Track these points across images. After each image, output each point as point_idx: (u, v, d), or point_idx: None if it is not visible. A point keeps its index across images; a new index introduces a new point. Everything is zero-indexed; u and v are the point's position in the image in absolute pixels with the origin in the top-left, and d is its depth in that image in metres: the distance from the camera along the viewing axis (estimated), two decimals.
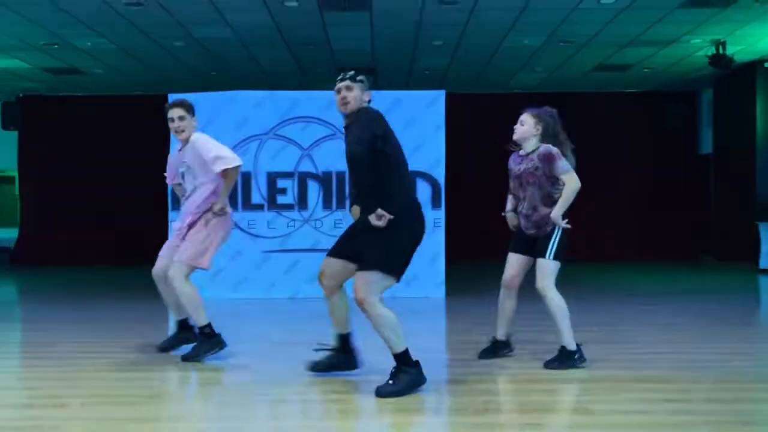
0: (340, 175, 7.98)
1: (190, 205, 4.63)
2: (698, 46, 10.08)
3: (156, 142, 8.58)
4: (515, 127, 4.36)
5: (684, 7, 8.38)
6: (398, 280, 3.71)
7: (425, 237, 7.82)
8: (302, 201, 7.99)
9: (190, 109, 4.72)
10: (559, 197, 4.22)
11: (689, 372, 4.03)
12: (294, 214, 7.99)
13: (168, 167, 5.07)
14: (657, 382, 3.81)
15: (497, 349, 4.45)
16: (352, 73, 3.88)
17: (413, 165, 8.01)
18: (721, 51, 9.86)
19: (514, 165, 4.39)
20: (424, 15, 8.59)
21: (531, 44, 10.03)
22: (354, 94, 3.81)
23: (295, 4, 8.21)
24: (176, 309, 4.66)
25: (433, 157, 7.93)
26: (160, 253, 4.67)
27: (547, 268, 4.21)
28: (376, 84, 10.86)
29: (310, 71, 11.07)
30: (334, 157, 8.00)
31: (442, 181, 7.95)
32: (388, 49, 10.18)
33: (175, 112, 4.64)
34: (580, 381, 3.91)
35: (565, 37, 9.66)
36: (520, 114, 4.44)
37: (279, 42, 9.68)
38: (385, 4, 8.19)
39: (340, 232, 8.30)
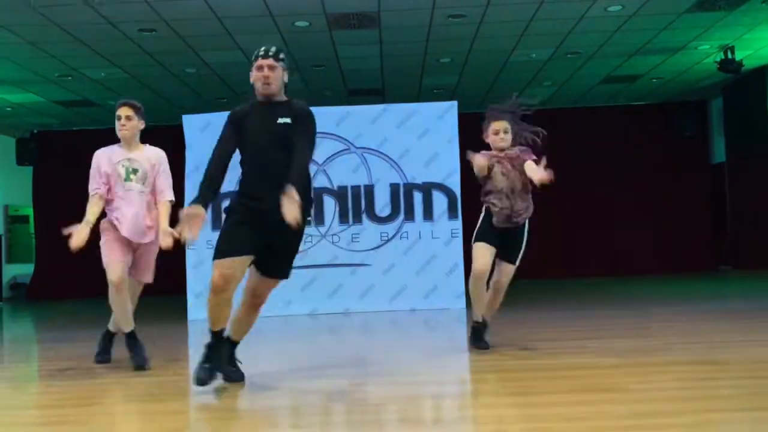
0: (356, 190, 7.99)
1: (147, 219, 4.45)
2: (706, 53, 10.12)
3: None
4: (501, 137, 4.43)
5: (690, 12, 8.43)
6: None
7: (443, 247, 7.92)
8: (318, 216, 7.98)
9: (139, 110, 4.58)
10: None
11: (725, 356, 3.96)
12: (311, 229, 7.97)
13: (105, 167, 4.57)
14: (693, 364, 3.74)
15: (484, 329, 4.55)
16: (275, 49, 3.66)
17: (429, 176, 8.18)
18: (729, 56, 9.89)
19: (499, 169, 4.46)
20: (433, 30, 8.68)
21: (538, 58, 10.10)
22: (277, 74, 3.62)
23: (305, 24, 8.33)
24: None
25: (448, 168, 7.93)
26: (118, 258, 4.52)
27: (512, 272, 4.47)
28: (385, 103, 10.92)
29: (319, 93, 11.17)
30: (348, 172, 8.04)
31: (457, 191, 7.94)
32: (397, 68, 10.28)
33: (123, 111, 4.53)
34: (613, 367, 3.83)
35: (572, 48, 9.72)
36: (482, 121, 4.55)
37: (289, 64, 9.79)
38: (394, 20, 8.29)
39: (357, 246, 8.43)
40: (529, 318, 6.33)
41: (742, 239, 12.24)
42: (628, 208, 13.11)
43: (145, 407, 3.42)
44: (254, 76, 3.66)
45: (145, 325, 4.97)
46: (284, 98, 3.73)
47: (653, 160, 13.24)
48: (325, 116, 8.37)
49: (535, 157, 4.45)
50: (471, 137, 9.27)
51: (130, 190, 4.48)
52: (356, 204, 8.00)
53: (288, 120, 3.61)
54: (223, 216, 3.79)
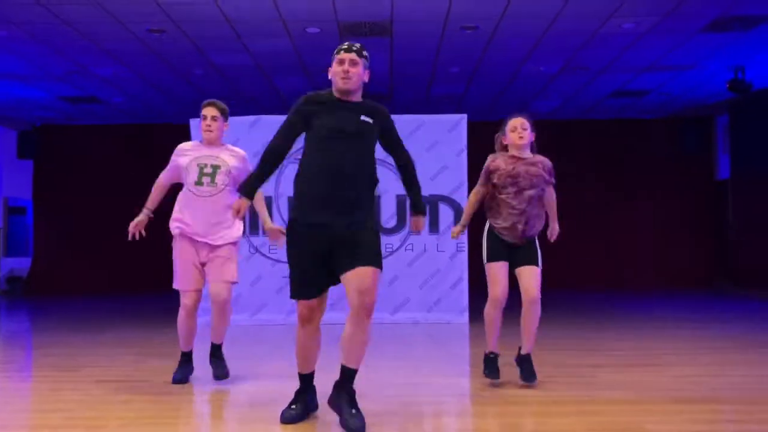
0: None
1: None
2: (716, 72, 10.08)
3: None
4: (519, 133, 4.25)
5: (704, 32, 8.39)
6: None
7: (448, 262, 7.87)
8: None
9: (224, 112, 4.56)
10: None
11: (737, 394, 3.91)
12: None
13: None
14: (707, 403, 3.69)
15: (496, 362, 4.31)
16: (359, 45, 3.50)
17: (436, 189, 8.12)
18: (739, 76, 9.86)
19: (505, 164, 4.23)
20: (444, 40, 8.62)
21: (548, 71, 10.06)
22: (358, 70, 3.43)
23: (316, 30, 8.27)
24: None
25: (456, 181, 7.89)
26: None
27: (540, 274, 4.25)
28: (392, 110, 10.87)
29: None
30: None
31: (464, 203, 7.87)
32: (406, 75, 10.22)
33: (209, 111, 4.48)
34: (628, 403, 3.79)
35: (582, 63, 9.67)
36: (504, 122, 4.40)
37: (297, 69, 9.73)
38: (407, 28, 8.23)
39: None
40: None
41: (742, 257, 12.22)
42: (630, 221, 13.09)
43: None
44: (333, 70, 3.46)
45: (144, 325, 4.93)
46: (361, 99, 3.52)
47: (657, 175, 13.22)
48: None
49: (554, 181, 4.37)
50: (477, 145, 9.26)
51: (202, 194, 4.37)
52: None
53: (369, 120, 3.43)
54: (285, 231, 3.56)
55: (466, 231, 7.76)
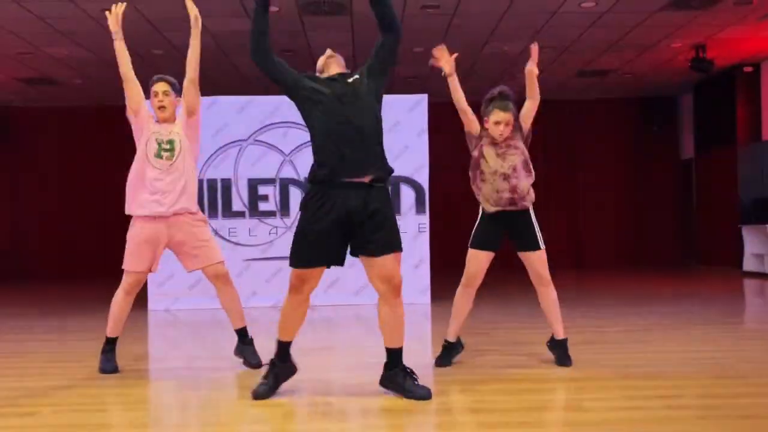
0: None
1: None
2: (679, 51, 10.13)
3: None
4: (500, 130, 4.01)
5: (664, 11, 8.41)
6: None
7: (410, 242, 7.87)
8: (284, 207, 7.87)
9: (175, 86, 4.36)
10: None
11: (680, 370, 3.96)
12: (276, 221, 7.86)
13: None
14: (649, 379, 3.73)
15: (452, 351, 4.23)
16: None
17: (397, 170, 7.97)
18: (701, 55, 9.92)
19: (495, 156, 4.05)
20: (406, 19, 8.54)
21: (511, 51, 10.03)
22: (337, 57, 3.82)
23: (275, 9, 8.13)
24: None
25: (417, 162, 7.85)
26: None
27: (544, 257, 4.10)
28: None
29: None
30: None
31: (426, 186, 7.87)
32: (369, 56, 10.12)
33: (160, 87, 4.31)
34: (570, 380, 3.82)
35: (546, 42, 9.65)
36: (487, 103, 4.10)
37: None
38: (366, 7, 8.12)
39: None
40: (497, 314, 6.33)
41: (706, 235, 12.38)
42: (595, 200, 13.21)
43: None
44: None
45: (99, 314, 4.86)
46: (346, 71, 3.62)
47: (623, 155, 13.32)
48: (292, 105, 8.23)
49: (521, 119, 4.12)
50: (443, 126, 9.25)
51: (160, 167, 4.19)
52: None
53: (356, 75, 3.51)
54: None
55: (427, 213, 7.83)
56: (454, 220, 10.94)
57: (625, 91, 12.88)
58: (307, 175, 3.55)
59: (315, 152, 3.44)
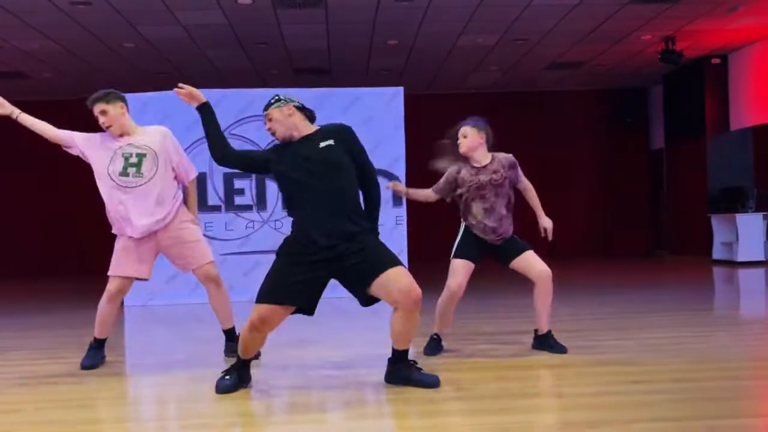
0: None
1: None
2: (649, 43, 10.29)
3: None
4: (458, 142, 4.26)
5: (635, 3, 8.53)
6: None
7: (387, 234, 7.91)
8: (261, 201, 7.86)
9: (110, 99, 4.09)
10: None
11: (652, 355, 4.06)
12: (252, 215, 7.85)
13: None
14: (622, 365, 3.82)
15: (439, 342, 4.39)
16: (269, 101, 3.70)
17: (374, 163, 8.03)
18: (670, 46, 10.09)
19: (470, 176, 4.27)
20: (380, 12, 8.56)
21: (485, 43, 10.10)
22: (278, 119, 3.63)
23: (248, 1, 8.10)
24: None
25: (393, 154, 7.89)
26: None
27: (536, 256, 4.31)
28: (332, 84, 10.78)
29: (265, 71, 10.94)
30: None
31: (402, 178, 7.90)
32: (344, 48, 10.13)
33: (96, 108, 4.08)
34: (548, 367, 3.90)
35: (519, 34, 9.74)
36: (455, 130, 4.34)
37: (233, 41, 9.54)
38: (340, 0, 8.14)
39: None
40: (468, 304, 6.40)
41: (677, 225, 12.62)
42: (566, 190, 13.36)
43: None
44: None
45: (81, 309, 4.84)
46: (313, 128, 3.56)
47: (594, 145, 13.50)
48: (267, 98, 8.22)
49: (520, 173, 4.45)
50: (418, 117, 9.28)
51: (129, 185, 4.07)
52: None
53: (330, 141, 3.44)
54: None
55: (404, 206, 7.88)
56: (432, 213, 11.02)
57: (596, 83, 13.05)
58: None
59: (292, 223, 3.51)
